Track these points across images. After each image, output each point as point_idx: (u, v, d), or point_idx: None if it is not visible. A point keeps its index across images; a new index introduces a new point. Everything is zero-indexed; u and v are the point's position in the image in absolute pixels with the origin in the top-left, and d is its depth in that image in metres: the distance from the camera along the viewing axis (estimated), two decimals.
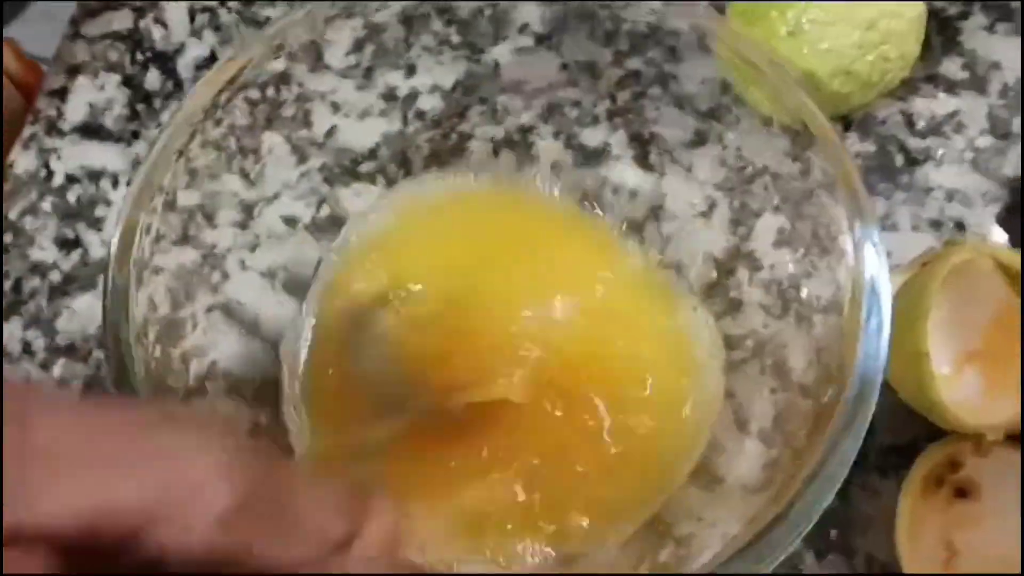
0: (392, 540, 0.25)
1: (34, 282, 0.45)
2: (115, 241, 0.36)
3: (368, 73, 0.44)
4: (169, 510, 0.21)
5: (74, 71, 0.50)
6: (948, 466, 0.39)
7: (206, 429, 0.23)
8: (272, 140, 0.42)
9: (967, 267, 0.39)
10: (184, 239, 0.39)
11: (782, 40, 0.43)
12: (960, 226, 0.46)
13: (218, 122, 0.40)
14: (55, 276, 0.45)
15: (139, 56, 0.50)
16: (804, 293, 0.39)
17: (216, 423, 0.33)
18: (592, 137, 0.45)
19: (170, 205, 0.38)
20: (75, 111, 0.49)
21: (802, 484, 0.31)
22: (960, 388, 0.39)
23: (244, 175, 0.42)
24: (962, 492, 0.39)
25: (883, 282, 0.35)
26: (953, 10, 0.50)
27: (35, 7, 1.36)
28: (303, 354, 0.42)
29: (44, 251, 0.46)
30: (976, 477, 0.39)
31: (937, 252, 0.42)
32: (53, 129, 0.48)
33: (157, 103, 0.49)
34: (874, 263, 0.35)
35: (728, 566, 0.30)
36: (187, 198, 0.39)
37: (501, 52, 0.45)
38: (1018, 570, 0.38)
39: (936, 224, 0.46)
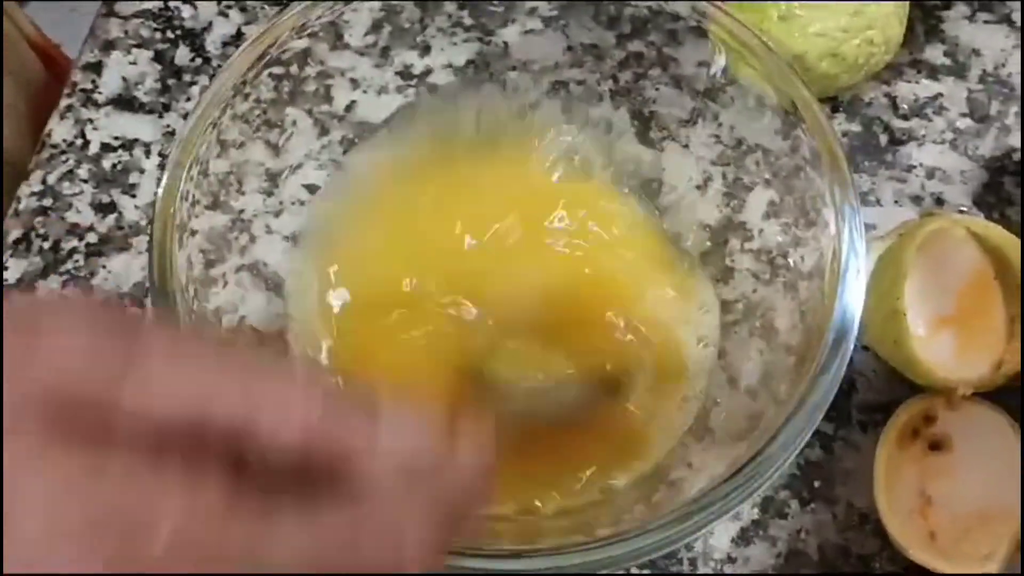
0: (481, 459, 0.26)
1: (72, 243, 0.48)
2: (158, 204, 0.38)
3: (385, 52, 0.46)
4: (264, 412, 0.23)
5: (108, 46, 0.52)
6: (923, 419, 0.42)
7: (282, 359, 0.25)
8: (295, 114, 0.45)
9: (942, 237, 0.42)
10: (215, 204, 0.42)
11: (774, 24, 0.46)
12: (939, 201, 0.49)
13: (246, 97, 0.42)
14: (92, 238, 0.48)
15: (169, 33, 0.53)
16: (791, 261, 0.42)
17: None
18: (595, 114, 0.47)
19: (203, 173, 0.40)
20: (109, 84, 0.52)
21: (780, 426, 0.34)
22: (934, 348, 0.42)
23: (270, 146, 0.44)
24: (935, 446, 0.42)
25: (860, 248, 0.38)
26: None
27: None
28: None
29: (81, 214, 0.49)
30: (948, 431, 0.42)
31: (915, 222, 0.45)
32: (89, 101, 0.51)
33: (187, 77, 0.52)
34: (854, 233, 0.38)
35: (708, 497, 0.33)
36: (218, 167, 0.41)
37: (510, 33, 0.47)
38: (988, 512, 0.40)
39: (917, 199, 0.49)
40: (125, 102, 0.51)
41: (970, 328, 0.43)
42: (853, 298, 0.36)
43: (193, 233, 0.40)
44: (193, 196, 0.40)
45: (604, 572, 0.35)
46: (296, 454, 0.23)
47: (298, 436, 0.23)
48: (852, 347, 0.35)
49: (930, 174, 0.50)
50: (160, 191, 0.39)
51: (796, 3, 0.45)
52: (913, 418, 0.42)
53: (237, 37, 0.53)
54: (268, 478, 0.23)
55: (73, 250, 0.48)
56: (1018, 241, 0.42)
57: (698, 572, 0.42)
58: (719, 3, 0.43)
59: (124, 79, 0.52)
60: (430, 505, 0.25)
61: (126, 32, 0.53)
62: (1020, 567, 0.39)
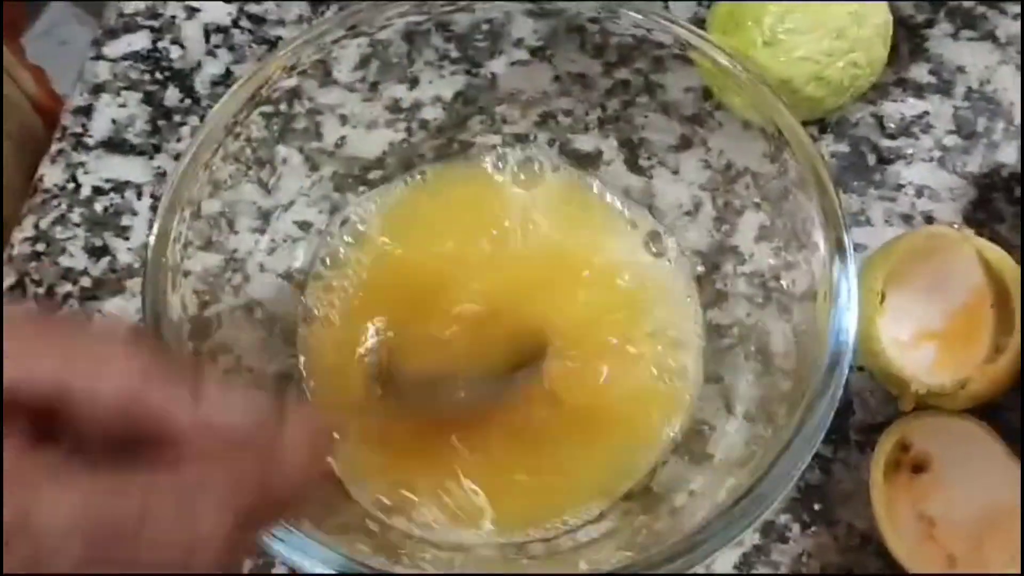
0: (306, 446, 0.26)
1: (66, 287, 0.48)
2: (151, 249, 0.38)
3: (374, 87, 0.46)
4: (79, 379, 0.23)
5: (98, 89, 0.53)
6: (900, 449, 0.42)
7: (110, 327, 0.24)
8: (286, 151, 0.45)
9: (953, 251, 0.43)
10: (208, 245, 0.42)
11: (759, 49, 0.46)
12: (929, 219, 0.49)
13: (237, 136, 0.42)
14: (85, 282, 0.48)
15: (158, 75, 0.53)
16: (783, 283, 0.42)
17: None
18: (585, 143, 0.48)
19: (196, 215, 0.40)
20: (100, 127, 0.52)
21: (779, 452, 0.34)
22: (910, 356, 0.42)
23: (261, 184, 0.44)
24: (917, 468, 0.42)
25: (851, 270, 0.38)
26: (920, 18, 0.53)
27: (40, 24, 1.39)
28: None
29: (74, 259, 0.49)
30: (925, 449, 0.42)
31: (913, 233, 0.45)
32: (79, 144, 0.51)
33: (176, 118, 0.52)
34: (844, 254, 0.38)
35: (712, 527, 0.33)
36: (210, 207, 0.41)
37: (498, 65, 0.47)
38: (993, 515, 0.40)
39: (907, 218, 0.49)
40: (115, 145, 0.51)
41: (953, 348, 0.43)
42: (846, 322, 0.36)
43: (186, 274, 0.40)
44: (186, 237, 0.40)
45: None
46: (112, 420, 0.23)
47: (113, 402, 0.23)
48: (847, 371, 0.35)
49: (919, 192, 0.50)
50: (152, 235, 0.39)
51: (780, 28, 0.46)
52: (892, 452, 0.42)
53: (226, 77, 0.53)
54: (78, 445, 0.23)
55: (67, 295, 0.48)
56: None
57: None
58: (702, 32, 0.43)
59: (114, 121, 0.52)
60: (239, 483, 0.24)
61: (115, 75, 0.53)
62: (1021, 568, 0.39)
